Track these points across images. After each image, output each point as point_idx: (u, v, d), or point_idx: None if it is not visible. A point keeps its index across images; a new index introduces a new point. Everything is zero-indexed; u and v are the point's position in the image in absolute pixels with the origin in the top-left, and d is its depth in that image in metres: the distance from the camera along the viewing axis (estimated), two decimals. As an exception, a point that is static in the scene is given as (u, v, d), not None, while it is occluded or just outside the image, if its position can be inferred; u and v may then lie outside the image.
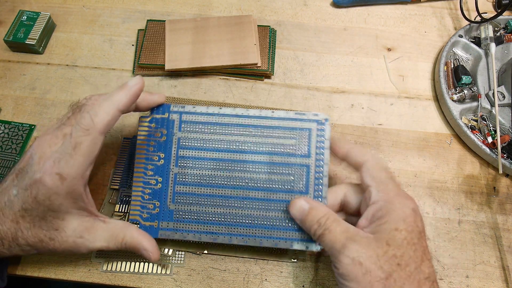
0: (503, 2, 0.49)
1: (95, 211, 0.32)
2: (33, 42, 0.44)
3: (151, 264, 0.35)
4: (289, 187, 0.32)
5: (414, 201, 0.29)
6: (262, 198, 0.32)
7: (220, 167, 0.33)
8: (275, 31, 0.48)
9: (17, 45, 0.45)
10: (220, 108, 0.34)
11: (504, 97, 0.41)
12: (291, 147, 0.33)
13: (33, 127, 0.41)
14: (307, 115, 0.33)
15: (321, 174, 0.32)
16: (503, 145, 0.39)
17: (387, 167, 0.31)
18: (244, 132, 0.33)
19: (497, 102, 0.40)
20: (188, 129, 0.33)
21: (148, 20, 0.47)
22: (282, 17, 0.49)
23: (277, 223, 0.32)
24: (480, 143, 0.39)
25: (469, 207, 0.38)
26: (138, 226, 0.33)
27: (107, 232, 0.31)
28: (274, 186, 0.32)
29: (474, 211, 0.38)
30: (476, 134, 0.40)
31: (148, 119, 0.34)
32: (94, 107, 0.29)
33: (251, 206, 0.32)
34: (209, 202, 0.33)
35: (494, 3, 0.50)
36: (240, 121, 0.33)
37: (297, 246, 0.32)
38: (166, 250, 0.35)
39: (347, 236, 0.28)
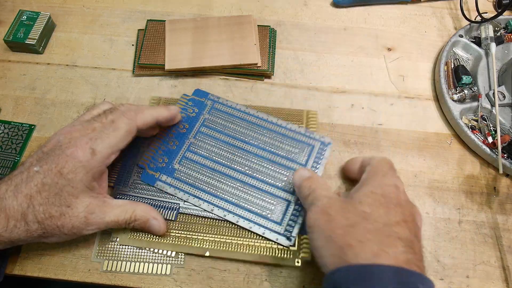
0: (503, 2, 0.49)
1: (107, 195, 0.34)
2: (33, 42, 0.44)
3: (151, 264, 0.35)
4: (281, 184, 0.37)
5: (402, 183, 0.30)
6: (253, 185, 0.37)
7: (228, 150, 0.38)
8: (275, 31, 0.47)
9: (17, 45, 0.45)
10: (247, 108, 0.41)
11: (504, 97, 0.41)
12: (293, 154, 0.38)
13: (33, 127, 0.41)
14: (314, 135, 0.39)
15: None
16: (504, 145, 0.39)
17: (389, 161, 0.33)
18: (259, 131, 0.39)
19: (497, 102, 0.40)
20: (215, 114, 0.41)
21: (148, 20, 0.47)
22: (282, 17, 0.49)
23: (264, 212, 0.36)
24: (480, 143, 0.39)
25: (469, 207, 0.38)
26: (143, 172, 0.37)
27: (117, 208, 0.33)
28: (268, 180, 0.37)
29: (474, 211, 0.38)
30: (476, 134, 0.40)
31: (189, 97, 0.42)
32: (140, 108, 0.34)
33: (242, 188, 0.37)
34: (207, 174, 0.37)
35: (494, 3, 0.50)
36: (258, 121, 0.40)
37: (270, 235, 0.35)
38: (167, 251, 0.35)
39: (329, 194, 0.30)
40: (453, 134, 0.42)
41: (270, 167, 0.38)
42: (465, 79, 0.42)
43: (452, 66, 0.44)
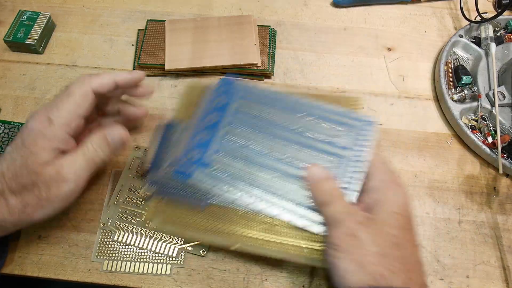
0: (503, 2, 0.49)
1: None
2: (33, 42, 0.44)
3: (151, 264, 0.35)
4: None
5: (404, 188, 0.31)
6: (293, 175, 0.34)
7: (265, 137, 0.35)
8: (275, 31, 0.47)
9: (17, 45, 0.45)
10: (280, 92, 0.38)
11: (504, 97, 0.41)
12: (335, 138, 0.35)
13: (33, 127, 0.41)
14: (355, 115, 0.35)
15: (358, 169, 0.33)
16: (503, 145, 0.39)
17: (385, 159, 0.33)
18: (296, 115, 0.36)
19: (497, 102, 0.40)
20: (247, 99, 0.37)
21: (148, 20, 0.47)
22: (282, 17, 0.49)
23: (301, 201, 0.33)
24: (480, 143, 0.39)
25: (469, 207, 0.38)
26: (177, 167, 0.35)
27: (79, 149, 0.32)
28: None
29: (474, 211, 0.38)
30: (476, 134, 0.40)
31: (218, 86, 0.39)
32: (96, 74, 0.34)
33: (283, 179, 0.34)
34: (244, 165, 0.35)
35: (494, 3, 0.50)
36: (295, 105, 0.36)
37: (314, 229, 0.32)
38: (168, 249, 0.35)
39: (349, 211, 0.29)
40: (453, 134, 0.42)
41: (311, 153, 0.34)
42: (465, 79, 0.42)
43: (452, 66, 0.44)
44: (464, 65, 0.44)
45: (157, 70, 0.44)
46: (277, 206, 0.33)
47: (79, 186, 0.31)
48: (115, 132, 0.33)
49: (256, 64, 0.43)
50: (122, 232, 0.36)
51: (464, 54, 0.46)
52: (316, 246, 0.33)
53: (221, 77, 0.40)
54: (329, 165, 0.34)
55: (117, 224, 0.36)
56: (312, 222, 0.32)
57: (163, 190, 0.35)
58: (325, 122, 0.35)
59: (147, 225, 0.36)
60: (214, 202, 0.34)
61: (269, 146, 0.35)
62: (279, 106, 0.37)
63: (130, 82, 0.35)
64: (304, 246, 0.33)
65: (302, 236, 0.33)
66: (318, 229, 0.32)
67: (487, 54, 0.44)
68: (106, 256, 0.35)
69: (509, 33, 0.46)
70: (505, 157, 0.39)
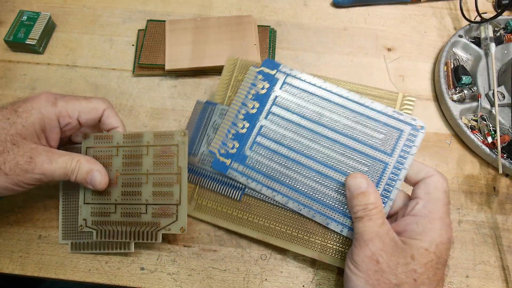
0: (503, 2, 0.49)
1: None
2: (33, 42, 0.44)
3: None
4: None
5: (452, 231, 0.29)
6: (330, 177, 0.33)
7: (303, 134, 0.34)
8: (275, 31, 0.48)
9: (17, 45, 0.45)
10: (324, 82, 0.35)
11: (504, 97, 0.41)
12: (377, 141, 0.33)
13: (33, 127, 0.41)
14: (405, 117, 0.33)
15: (396, 176, 0.32)
16: (503, 145, 0.39)
17: (448, 191, 0.30)
18: (338, 111, 0.34)
19: (497, 102, 0.40)
20: (288, 90, 0.35)
21: (148, 20, 0.47)
22: (282, 17, 0.49)
23: (335, 205, 0.33)
24: (480, 143, 0.40)
25: (469, 207, 0.38)
26: (213, 158, 0.35)
27: (64, 155, 0.31)
28: (346, 170, 0.33)
29: (474, 211, 0.38)
30: (476, 134, 0.41)
31: (258, 69, 0.36)
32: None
33: (318, 179, 0.33)
34: (281, 162, 0.34)
35: (494, 3, 0.50)
36: (337, 100, 0.34)
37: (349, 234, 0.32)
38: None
39: (380, 233, 0.28)
40: (452, 134, 0.42)
41: (350, 155, 0.33)
42: (465, 79, 0.42)
43: (452, 66, 0.44)
44: (464, 65, 0.44)
45: (157, 70, 0.44)
46: (311, 208, 0.33)
47: (40, 182, 0.30)
48: (99, 176, 0.32)
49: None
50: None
51: (464, 54, 0.46)
52: (342, 247, 0.33)
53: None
54: (371, 170, 0.32)
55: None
56: (343, 226, 0.32)
57: (198, 176, 0.36)
58: (372, 123, 0.33)
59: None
60: (249, 193, 0.35)
61: (306, 145, 0.34)
62: (322, 100, 0.35)
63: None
64: (330, 246, 0.33)
65: (331, 238, 0.33)
66: (348, 233, 0.32)
67: (486, 54, 0.44)
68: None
69: (508, 33, 0.46)
70: (504, 157, 0.39)
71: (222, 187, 0.35)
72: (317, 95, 0.35)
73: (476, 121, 0.42)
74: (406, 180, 0.32)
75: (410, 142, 0.33)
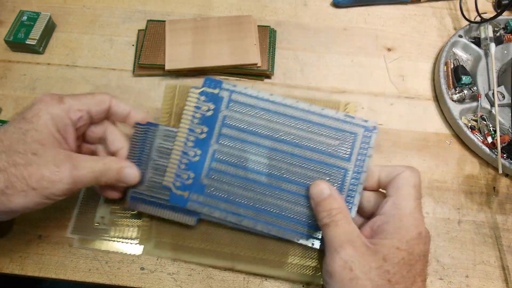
0: (503, 2, 0.49)
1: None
2: (33, 42, 0.44)
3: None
4: None
5: (424, 225, 0.29)
6: (293, 192, 0.32)
7: (260, 152, 0.33)
8: (275, 31, 0.48)
9: (17, 45, 0.45)
10: (271, 95, 0.34)
11: (504, 97, 0.41)
12: (333, 148, 0.32)
13: (33, 127, 0.41)
14: (356, 120, 0.33)
15: (357, 181, 0.32)
16: (503, 145, 0.39)
17: (419, 185, 0.30)
18: (290, 123, 0.33)
19: (497, 102, 0.40)
20: (235, 109, 0.34)
21: (148, 20, 0.47)
22: (282, 17, 0.49)
23: (302, 219, 0.32)
24: (480, 143, 0.40)
25: (469, 207, 0.38)
26: (170, 193, 0.33)
27: (90, 159, 0.30)
28: (308, 182, 0.32)
29: (474, 211, 0.38)
30: (476, 134, 0.41)
31: (199, 90, 0.34)
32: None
33: (283, 197, 0.32)
34: (241, 185, 0.33)
35: (494, 3, 0.50)
36: (287, 111, 0.33)
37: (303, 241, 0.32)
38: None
39: (349, 238, 0.28)
40: (452, 134, 0.42)
41: (309, 167, 0.32)
42: (465, 79, 0.42)
43: (452, 66, 0.44)
44: (464, 65, 0.44)
45: (157, 70, 0.44)
46: (276, 225, 0.32)
47: (69, 192, 0.29)
48: (132, 171, 0.32)
49: (256, 64, 0.43)
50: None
51: (463, 54, 0.46)
52: (313, 263, 0.33)
53: (206, 76, 0.36)
54: (332, 178, 0.32)
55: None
56: (314, 239, 0.32)
57: (149, 205, 0.34)
58: (326, 130, 0.33)
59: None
60: (206, 219, 0.33)
61: (265, 164, 0.33)
62: (272, 114, 0.33)
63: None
64: (301, 263, 0.33)
65: (301, 253, 0.33)
66: (320, 246, 0.32)
67: (486, 54, 0.44)
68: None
69: (508, 33, 0.46)
70: (504, 157, 0.39)
71: (176, 214, 0.34)
72: (266, 110, 0.33)
73: (476, 121, 0.42)
74: (380, 185, 0.32)
75: (365, 144, 0.32)
